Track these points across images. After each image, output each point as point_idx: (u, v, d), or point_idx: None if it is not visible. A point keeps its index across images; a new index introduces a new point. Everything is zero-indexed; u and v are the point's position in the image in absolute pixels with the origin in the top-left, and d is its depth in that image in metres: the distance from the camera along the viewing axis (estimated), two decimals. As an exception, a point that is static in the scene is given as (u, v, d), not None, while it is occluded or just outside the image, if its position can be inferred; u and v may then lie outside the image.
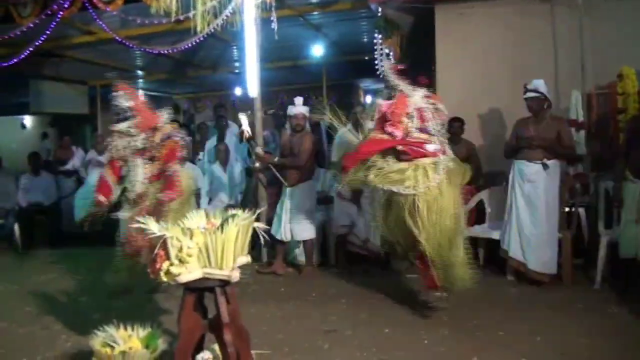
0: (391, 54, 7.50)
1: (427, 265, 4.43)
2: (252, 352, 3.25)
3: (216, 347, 3.13)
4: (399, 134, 4.36)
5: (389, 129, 4.38)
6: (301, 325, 4.39)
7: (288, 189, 6.15)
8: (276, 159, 6.20)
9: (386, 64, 5.27)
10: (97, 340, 3.23)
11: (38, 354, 4.00)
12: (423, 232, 4.22)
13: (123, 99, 4.40)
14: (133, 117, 4.40)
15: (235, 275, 2.96)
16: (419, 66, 6.97)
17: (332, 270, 6.27)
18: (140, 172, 4.39)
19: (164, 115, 4.49)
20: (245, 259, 3.03)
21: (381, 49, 7.66)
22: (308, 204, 6.14)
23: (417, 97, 4.37)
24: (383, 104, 4.53)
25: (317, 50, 10.31)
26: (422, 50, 7.43)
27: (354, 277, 5.84)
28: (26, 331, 4.55)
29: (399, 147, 4.35)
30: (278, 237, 6.07)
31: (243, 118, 5.75)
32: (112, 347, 3.14)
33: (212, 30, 6.53)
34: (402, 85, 4.42)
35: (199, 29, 6.34)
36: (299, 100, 6.21)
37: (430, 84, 5.23)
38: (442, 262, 4.30)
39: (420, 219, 4.21)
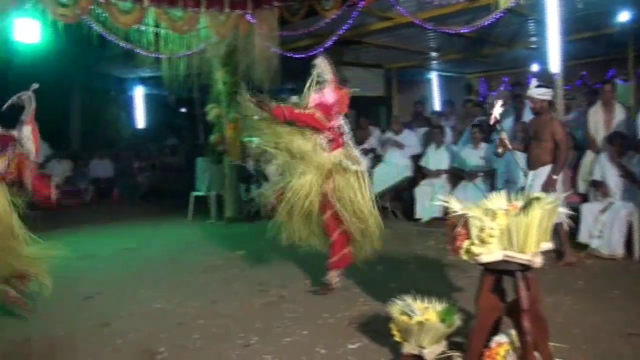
0: None
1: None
2: (550, 343, 3.12)
3: (513, 332, 3.07)
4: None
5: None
6: (600, 323, 4.02)
7: (530, 172, 5.91)
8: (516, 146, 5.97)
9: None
10: (395, 308, 3.40)
11: (338, 312, 4.40)
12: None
13: None
14: None
15: (537, 261, 2.84)
16: None
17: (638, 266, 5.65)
18: None
19: None
20: (548, 245, 2.89)
21: None
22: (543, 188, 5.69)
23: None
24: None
25: (624, 16, 9.24)
26: None
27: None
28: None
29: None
30: None
31: (497, 102, 5.48)
32: (410, 317, 3.28)
33: (512, 4, 6.33)
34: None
35: (501, 4, 6.20)
36: (534, 82, 5.85)
37: None
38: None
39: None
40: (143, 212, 11.06)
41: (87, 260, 6.68)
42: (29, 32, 7.11)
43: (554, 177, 5.69)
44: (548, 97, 5.78)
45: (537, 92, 5.77)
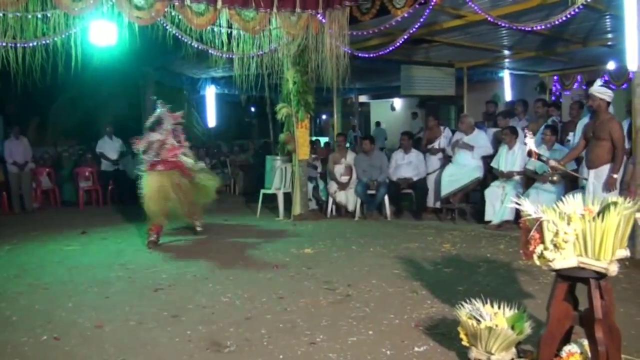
0: None
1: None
2: (622, 356, 3.00)
3: (584, 342, 2.97)
4: None
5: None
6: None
7: (591, 171, 6.14)
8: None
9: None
10: (463, 312, 3.34)
11: (405, 313, 4.36)
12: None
13: None
14: None
15: (613, 269, 2.74)
16: None
17: None
18: None
19: None
20: (624, 252, 2.78)
21: None
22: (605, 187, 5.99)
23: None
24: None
25: None
26: None
27: None
28: (395, 291, 4.99)
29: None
30: None
31: (529, 138, 5.33)
32: (478, 321, 3.21)
33: (587, 0, 6.18)
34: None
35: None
36: (597, 82, 6.20)
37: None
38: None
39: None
40: (213, 208, 11.29)
41: (159, 254, 6.90)
42: (105, 35, 7.36)
43: (614, 176, 5.95)
44: (607, 98, 5.95)
45: (597, 90, 5.97)
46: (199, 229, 8.21)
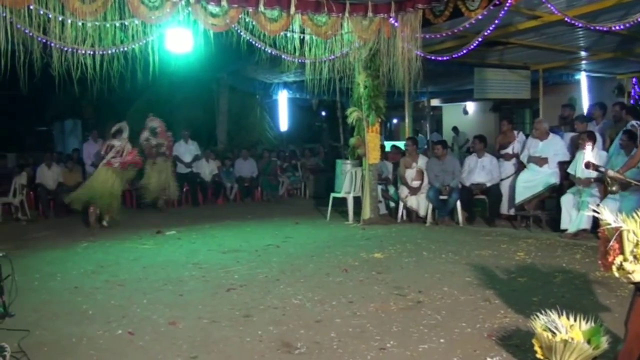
0: None
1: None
2: None
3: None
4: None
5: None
6: None
7: None
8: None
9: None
10: (538, 323, 3.26)
11: (477, 322, 4.28)
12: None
13: None
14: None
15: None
16: None
17: None
18: None
19: None
20: None
21: None
22: None
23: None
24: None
25: None
26: None
27: None
28: (467, 299, 4.91)
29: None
30: None
31: (588, 150, 4.99)
32: (554, 333, 3.12)
33: None
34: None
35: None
36: None
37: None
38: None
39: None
40: (284, 211, 11.47)
41: (232, 254, 7.07)
42: (181, 42, 7.58)
43: None
44: None
45: None
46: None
